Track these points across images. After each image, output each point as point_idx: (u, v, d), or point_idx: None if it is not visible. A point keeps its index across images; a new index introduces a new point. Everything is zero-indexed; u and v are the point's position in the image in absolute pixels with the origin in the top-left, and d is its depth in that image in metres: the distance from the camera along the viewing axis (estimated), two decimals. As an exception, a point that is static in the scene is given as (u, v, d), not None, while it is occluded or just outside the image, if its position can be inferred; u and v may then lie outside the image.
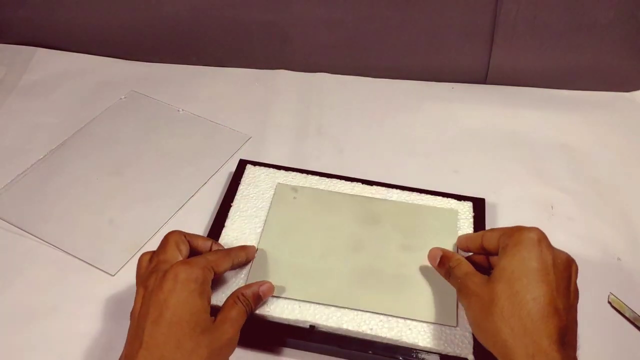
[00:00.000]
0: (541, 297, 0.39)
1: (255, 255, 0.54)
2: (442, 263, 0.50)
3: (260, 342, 0.51)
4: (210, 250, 0.50)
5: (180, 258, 0.46)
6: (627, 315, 0.53)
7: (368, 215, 0.58)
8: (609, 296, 0.54)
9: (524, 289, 0.40)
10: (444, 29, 0.73)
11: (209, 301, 0.44)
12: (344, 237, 0.56)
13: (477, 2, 0.69)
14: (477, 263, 0.49)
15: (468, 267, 0.47)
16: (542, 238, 0.43)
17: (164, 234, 0.48)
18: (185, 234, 0.49)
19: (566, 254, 0.44)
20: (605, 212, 0.62)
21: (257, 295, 0.49)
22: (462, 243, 0.52)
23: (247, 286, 0.49)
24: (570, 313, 0.41)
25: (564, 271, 0.42)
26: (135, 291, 0.45)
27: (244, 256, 0.52)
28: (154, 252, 0.48)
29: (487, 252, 0.48)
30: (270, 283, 0.50)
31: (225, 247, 0.53)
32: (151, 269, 0.45)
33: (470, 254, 0.51)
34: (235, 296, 0.47)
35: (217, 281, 0.51)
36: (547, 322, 0.39)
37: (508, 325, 0.39)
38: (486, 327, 0.41)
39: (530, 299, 0.39)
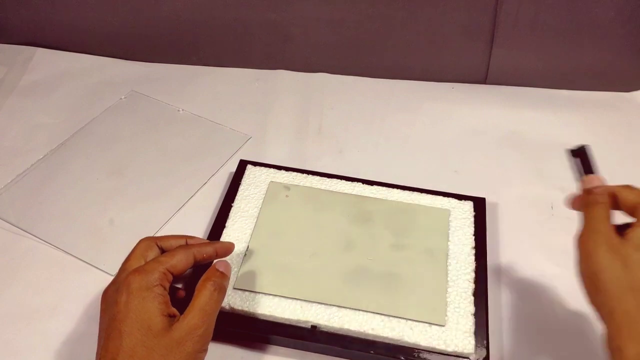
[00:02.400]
0: None
1: (246, 252, 0.54)
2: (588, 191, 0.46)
3: (261, 342, 0.51)
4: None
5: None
6: None
7: (360, 214, 0.58)
8: None
9: None
10: (444, 29, 0.73)
11: (167, 303, 0.43)
12: (336, 236, 0.56)
13: (477, 2, 0.69)
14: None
15: (608, 214, 0.43)
16: None
17: (164, 234, 0.48)
18: (156, 239, 0.48)
19: None
20: (606, 212, 0.62)
21: (212, 253, 0.48)
22: (587, 184, 0.47)
23: (200, 246, 0.48)
24: None
25: None
26: None
27: (211, 251, 0.49)
28: None
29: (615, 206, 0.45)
30: (229, 243, 0.50)
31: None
32: (113, 280, 0.46)
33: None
34: (201, 281, 0.45)
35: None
36: None
37: (635, 297, 0.38)
38: (607, 288, 0.40)
39: None
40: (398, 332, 0.49)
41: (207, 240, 0.51)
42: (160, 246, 0.48)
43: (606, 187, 0.46)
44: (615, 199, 0.44)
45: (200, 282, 0.44)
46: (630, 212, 0.43)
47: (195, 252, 0.47)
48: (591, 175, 0.48)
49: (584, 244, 0.42)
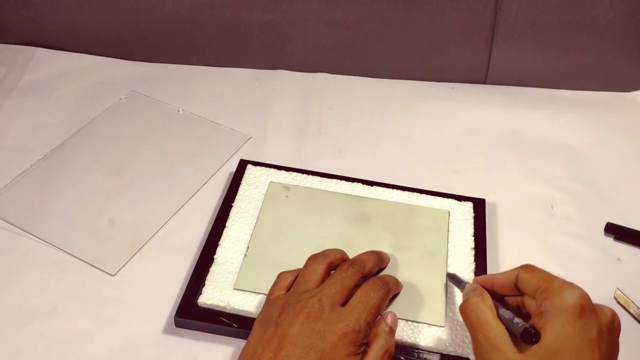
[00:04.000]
0: None
1: (246, 252, 0.54)
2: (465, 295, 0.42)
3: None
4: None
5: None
6: (632, 311, 0.53)
7: (359, 215, 0.58)
8: (615, 292, 0.54)
9: None
10: (444, 29, 0.73)
11: None
12: (335, 237, 0.56)
13: (477, 2, 0.69)
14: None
15: (498, 328, 0.38)
16: (585, 304, 0.36)
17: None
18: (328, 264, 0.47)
19: (609, 310, 0.38)
20: (605, 212, 0.62)
21: (392, 330, 0.45)
22: (488, 284, 0.43)
23: (383, 322, 0.44)
24: None
25: (609, 336, 0.37)
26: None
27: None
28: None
29: (519, 293, 0.41)
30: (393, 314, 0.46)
31: (233, 248, 0.53)
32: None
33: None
34: (377, 336, 0.43)
35: (209, 280, 0.52)
36: None
37: None
38: None
39: None
40: (398, 332, 0.49)
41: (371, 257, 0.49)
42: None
43: (482, 278, 0.43)
44: (495, 286, 0.42)
45: (372, 337, 0.42)
46: (531, 296, 0.39)
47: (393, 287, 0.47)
48: (467, 284, 0.44)
49: None
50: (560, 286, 0.37)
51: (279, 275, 0.48)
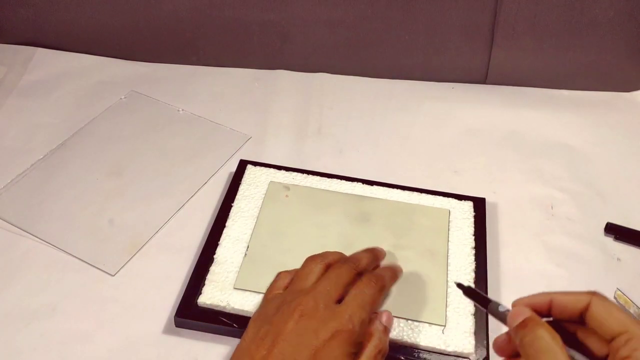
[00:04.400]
0: None
1: (246, 252, 0.54)
2: (525, 327, 0.35)
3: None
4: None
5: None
6: (632, 311, 0.53)
7: (359, 214, 0.58)
8: (615, 292, 0.54)
9: None
10: (444, 29, 0.73)
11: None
12: (335, 236, 0.56)
13: (477, 2, 0.69)
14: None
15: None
16: None
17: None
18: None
19: None
20: (605, 212, 0.62)
21: (386, 329, 0.45)
22: (543, 305, 0.36)
23: (378, 322, 0.44)
24: None
25: None
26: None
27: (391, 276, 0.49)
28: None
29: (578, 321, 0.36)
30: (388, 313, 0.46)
31: (233, 247, 0.53)
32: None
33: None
34: (372, 335, 0.43)
35: (208, 279, 0.52)
36: None
37: None
38: None
39: None
40: (398, 332, 0.49)
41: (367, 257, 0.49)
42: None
43: (534, 298, 0.37)
44: (554, 309, 0.36)
45: (366, 336, 0.42)
46: (605, 337, 0.34)
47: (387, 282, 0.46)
48: (515, 308, 0.36)
49: None
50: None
51: (278, 274, 0.48)
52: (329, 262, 0.46)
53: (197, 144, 0.69)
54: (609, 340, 0.33)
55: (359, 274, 0.46)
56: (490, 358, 0.48)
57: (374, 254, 0.50)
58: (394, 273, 0.50)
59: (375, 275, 0.46)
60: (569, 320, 0.36)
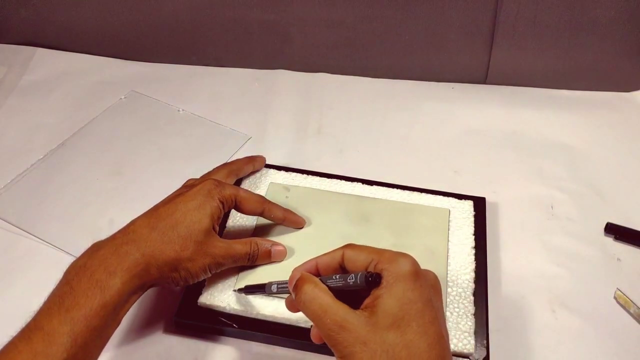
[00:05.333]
0: (433, 338, 0.36)
1: None
2: (297, 287, 0.40)
3: (261, 342, 0.51)
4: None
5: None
6: (632, 311, 0.53)
7: (359, 215, 0.58)
8: (615, 292, 0.54)
9: (417, 337, 0.35)
10: (444, 29, 0.73)
11: (218, 219, 0.50)
12: (335, 237, 0.56)
13: (477, 2, 0.69)
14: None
15: (341, 308, 0.37)
16: (417, 269, 0.38)
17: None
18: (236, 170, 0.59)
19: (431, 272, 0.41)
20: (605, 212, 0.62)
21: (268, 252, 0.52)
22: (312, 269, 0.42)
23: (264, 239, 0.53)
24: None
25: (437, 295, 0.39)
26: None
27: (280, 215, 0.55)
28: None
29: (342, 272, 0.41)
30: (284, 248, 0.53)
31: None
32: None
33: None
34: (249, 240, 0.51)
35: (209, 280, 0.52)
36: (442, 355, 0.36)
37: None
38: None
39: (426, 345, 0.35)
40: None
41: (284, 208, 0.55)
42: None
43: (303, 265, 0.42)
44: (320, 269, 0.41)
45: (254, 238, 0.52)
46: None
47: (268, 207, 0.53)
48: (291, 274, 0.41)
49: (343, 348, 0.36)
50: (393, 255, 0.38)
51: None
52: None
53: (197, 144, 0.69)
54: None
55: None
56: (490, 358, 0.48)
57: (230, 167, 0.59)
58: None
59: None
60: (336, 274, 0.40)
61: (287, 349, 0.50)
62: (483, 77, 0.77)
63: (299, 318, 0.50)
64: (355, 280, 0.37)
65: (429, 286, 0.38)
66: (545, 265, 0.57)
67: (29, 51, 0.81)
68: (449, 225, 0.57)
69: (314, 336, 0.41)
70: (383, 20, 0.73)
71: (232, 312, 0.50)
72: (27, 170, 0.65)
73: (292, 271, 0.42)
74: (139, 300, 0.53)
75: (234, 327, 0.50)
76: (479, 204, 0.60)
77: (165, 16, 0.76)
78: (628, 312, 0.53)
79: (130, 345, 0.50)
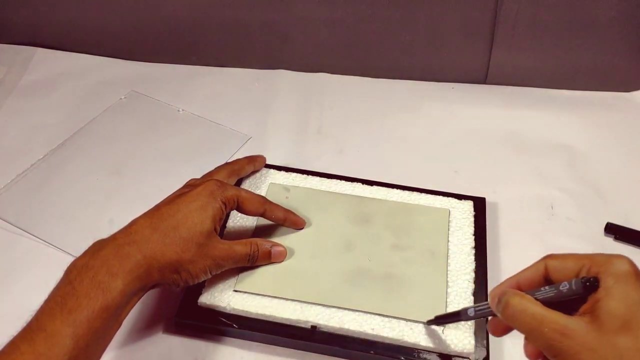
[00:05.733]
0: None
1: None
2: (502, 303, 0.37)
3: (261, 343, 0.51)
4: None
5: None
6: None
7: (360, 215, 0.58)
8: None
9: None
10: (444, 29, 0.73)
11: (219, 221, 0.49)
12: (336, 237, 0.56)
13: (477, 2, 0.69)
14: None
15: (558, 315, 0.35)
16: (636, 269, 0.35)
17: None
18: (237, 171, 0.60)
19: None
20: (605, 212, 0.62)
21: (268, 252, 0.52)
22: (513, 286, 0.39)
23: (264, 240, 0.53)
24: None
25: None
26: None
27: (280, 216, 0.55)
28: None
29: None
30: (284, 249, 0.53)
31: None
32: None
33: None
34: (250, 241, 0.51)
35: (209, 280, 0.52)
36: None
37: None
38: None
39: None
40: (398, 332, 0.49)
41: (285, 208, 0.55)
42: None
43: (503, 284, 0.39)
44: (522, 286, 0.39)
45: (254, 239, 0.52)
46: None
47: (269, 207, 0.53)
48: (492, 292, 0.39)
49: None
50: (606, 258, 0.36)
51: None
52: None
53: (197, 144, 0.69)
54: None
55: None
56: (490, 358, 0.48)
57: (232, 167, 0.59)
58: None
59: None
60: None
61: (287, 349, 0.50)
62: (483, 77, 0.77)
63: (299, 319, 0.50)
64: (569, 288, 0.35)
65: None
66: (545, 265, 0.57)
67: (29, 51, 0.81)
68: (449, 226, 0.57)
69: (530, 353, 0.37)
70: (383, 20, 0.73)
71: (232, 312, 0.50)
72: (27, 170, 0.65)
73: (491, 291, 0.39)
74: (139, 300, 0.53)
75: (234, 327, 0.50)
76: (479, 204, 0.59)
77: (165, 16, 0.76)
78: None
79: (131, 346, 0.50)
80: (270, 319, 0.50)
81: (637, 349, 0.32)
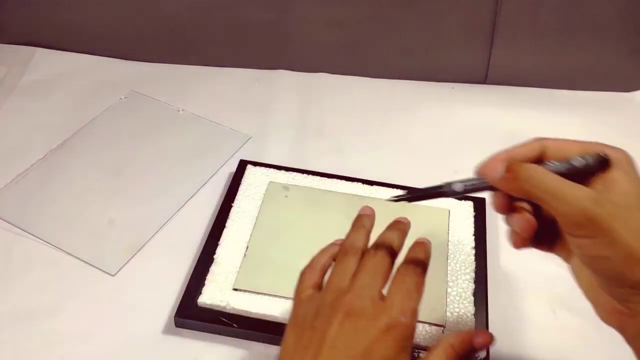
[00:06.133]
0: None
1: (245, 252, 0.54)
2: (513, 170, 0.37)
3: (261, 342, 0.51)
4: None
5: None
6: None
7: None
8: None
9: None
10: (444, 29, 0.73)
11: None
12: (335, 236, 0.55)
13: (477, 2, 0.69)
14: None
15: (579, 186, 0.34)
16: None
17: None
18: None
19: None
20: (606, 212, 0.61)
21: (470, 345, 0.38)
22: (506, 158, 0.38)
23: (457, 335, 0.38)
24: None
25: None
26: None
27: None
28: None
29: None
30: (490, 335, 0.39)
31: (233, 248, 0.52)
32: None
33: None
34: (442, 347, 0.37)
35: (208, 280, 0.52)
36: None
37: None
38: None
39: None
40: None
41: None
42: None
43: (500, 154, 0.38)
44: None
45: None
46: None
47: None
48: (488, 162, 0.39)
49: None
50: (607, 145, 0.37)
51: (303, 272, 0.43)
52: (361, 251, 0.42)
53: (197, 144, 0.69)
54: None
55: (395, 256, 0.41)
56: (490, 358, 0.48)
57: (401, 230, 0.45)
58: (426, 249, 0.43)
59: (411, 261, 0.41)
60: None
61: (287, 349, 0.50)
62: (483, 77, 0.77)
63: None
64: (585, 162, 0.35)
65: None
66: (545, 265, 0.57)
67: (29, 51, 0.81)
68: (448, 226, 0.57)
69: (524, 227, 0.37)
70: (383, 20, 0.73)
71: (232, 312, 0.50)
72: (27, 170, 0.65)
73: (487, 162, 0.38)
74: (138, 300, 0.53)
75: (234, 327, 0.50)
76: (479, 205, 0.60)
77: (165, 16, 0.76)
78: None
79: (130, 346, 0.50)
80: (270, 319, 0.50)
81: None
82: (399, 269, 0.40)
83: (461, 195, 0.57)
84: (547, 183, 0.34)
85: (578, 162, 0.35)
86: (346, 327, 0.36)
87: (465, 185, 0.40)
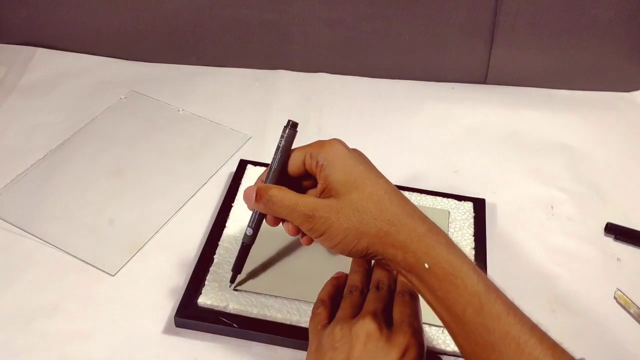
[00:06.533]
0: (388, 186, 0.43)
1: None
2: (262, 197, 0.43)
3: (261, 342, 0.51)
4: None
5: None
6: (632, 311, 0.53)
7: None
8: (615, 292, 0.54)
9: (375, 189, 0.42)
10: (444, 28, 0.73)
11: None
12: None
13: (477, 2, 0.69)
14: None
15: (308, 198, 0.42)
16: (345, 145, 0.45)
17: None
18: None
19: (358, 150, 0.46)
20: (605, 212, 0.62)
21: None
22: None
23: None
24: None
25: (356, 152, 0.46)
26: None
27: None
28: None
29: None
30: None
31: (233, 248, 0.52)
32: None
33: None
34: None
35: (209, 280, 0.52)
36: (402, 199, 0.43)
37: (385, 217, 0.40)
38: (366, 230, 0.40)
39: (383, 192, 0.42)
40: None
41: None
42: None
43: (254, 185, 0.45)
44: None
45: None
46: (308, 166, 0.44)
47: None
48: (245, 191, 0.45)
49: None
50: (322, 143, 0.44)
51: (314, 307, 0.45)
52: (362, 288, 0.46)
53: (197, 144, 0.69)
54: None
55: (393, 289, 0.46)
56: (490, 358, 0.48)
57: (385, 269, 0.48)
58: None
59: (406, 292, 0.45)
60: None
61: (287, 349, 0.50)
62: (483, 77, 0.77)
63: (299, 318, 0.50)
64: (284, 137, 0.45)
65: (362, 154, 0.46)
66: (545, 265, 0.57)
67: (29, 51, 0.81)
68: (448, 227, 0.57)
69: (290, 229, 0.44)
70: (383, 20, 0.73)
71: (232, 312, 0.50)
72: (27, 170, 0.65)
73: (245, 192, 0.44)
74: (138, 300, 0.53)
75: (234, 327, 0.50)
76: (479, 205, 0.60)
77: (165, 16, 0.76)
78: (628, 312, 0.53)
79: (130, 345, 0.50)
80: (270, 319, 0.50)
81: (365, 197, 0.41)
82: (396, 298, 0.44)
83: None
84: (284, 203, 0.42)
85: (281, 143, 0.46)
86: (369, 347, 0.39)
87: (250, 227, 0.48)
